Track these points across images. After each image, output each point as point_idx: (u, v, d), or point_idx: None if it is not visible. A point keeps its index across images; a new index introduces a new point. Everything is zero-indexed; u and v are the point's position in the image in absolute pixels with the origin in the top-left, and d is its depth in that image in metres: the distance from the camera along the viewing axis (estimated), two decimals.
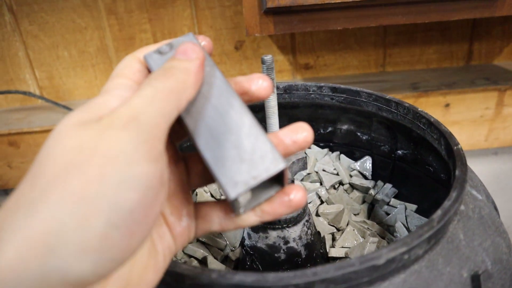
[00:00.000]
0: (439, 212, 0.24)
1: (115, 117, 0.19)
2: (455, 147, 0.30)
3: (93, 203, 0.17)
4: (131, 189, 0.18)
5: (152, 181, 0.18)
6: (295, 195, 0.23)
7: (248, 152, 0.20)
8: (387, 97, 0.41)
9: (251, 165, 0.20)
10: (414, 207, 0.46)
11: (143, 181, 0.18)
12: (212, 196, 0.49)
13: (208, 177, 0.26)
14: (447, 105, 0.73)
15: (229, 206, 0.24)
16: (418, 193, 0.46)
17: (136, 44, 0.74)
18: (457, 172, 0.27)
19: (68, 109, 0.72)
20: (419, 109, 0.37)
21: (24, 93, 0.73)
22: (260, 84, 0.24)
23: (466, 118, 0.74)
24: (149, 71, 0.24)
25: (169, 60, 0.22)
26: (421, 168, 0.45)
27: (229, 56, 0.77)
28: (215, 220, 0.25)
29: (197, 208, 0.25)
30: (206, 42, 0.25)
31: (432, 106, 0.73)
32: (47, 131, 0.70)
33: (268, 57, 0.31)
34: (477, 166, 0.79)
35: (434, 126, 0.34)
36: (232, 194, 0.20)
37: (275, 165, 0.20)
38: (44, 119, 0.72)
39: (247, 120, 0.21)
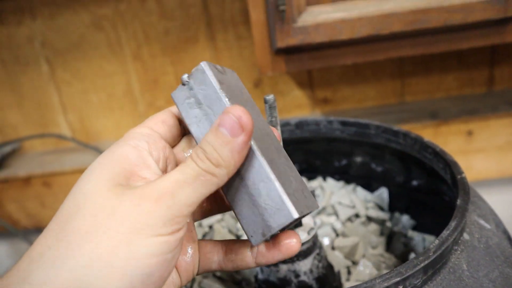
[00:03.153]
0: (436, 241, 0.24)
1: (151, 189, 0.20)
2: (459, 176, 0.30)
3: (118, 266, 0.19)
4: (153, 256, 0.19)
5: (172, 247, 0.20)
6: (289, 240, 0.24)
7: (267, 207, 0.22)
8: (395, 128, 0.41)
9: (268, 217, 0.22)
10: (432, 238, 0.45)
11: (165, 248, 0.20)
12: (229, 231, 0.50)
13: (206, 213, 0.27)
14: (470, 133, 0.72)
15: (229, 246, 0.26)
16: (436, 224, 0.45)
17: (159, 86, 0.78)
18: (458, 201, 0.27)
19: (97, 150, 0.76)
20: (425, 139, 0.37)
21: (57, 136, 0.78)
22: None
23: (491, 145, 0.73)
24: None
25: (211, 136, 0.21)
26: (436, 198, 0.44)
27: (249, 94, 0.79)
28: (215, 259, 0.26)
29: (201, 245, 0.26)
30: None
31: (453, 134, 0.72)
32: (77, 171, 0.74)
33: (270, 97, 0.32)
34: (505, 195, 0.76)
35: (439, 156, 0.34)
36: (254, 243, 0.23)
37: (287, 219, 0.22)
38: (75, 160, 0.76)
39: (265, 174, 0.23)
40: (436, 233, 0.45)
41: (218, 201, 0.27)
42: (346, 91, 0.80)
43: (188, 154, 0.28)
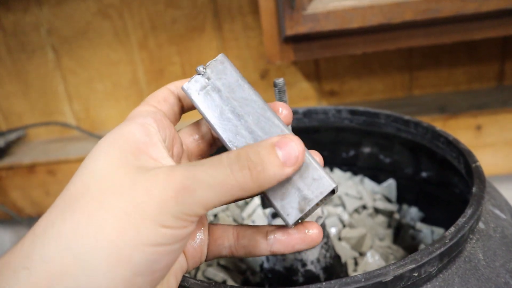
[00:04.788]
0: (452, 229, 0.23)
1: (168, 179, 0.19)
2: (474, 164, 0.30)
3: (124, 252, 0.18)
4: (160, 245, 0.19)
5: (180, 239, 0.19)
6: (312, 230, 0.23)
7: (298, 180, 0.22)
8: (405, 117, 0.40)
9: (306, 190, 0.22)
10: (441, 231, 0.44)
11: (173, 239, 0.19)
12: (234, 221, 0.50)
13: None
14: (479, 127, 0.71)
15: (242, 232, 0.25)
16: (446, 216, 0.45)
17: (165, 76, 0.77)
18: (474, 189, 0.27)
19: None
20: (437, 128, 0.36)
21: (62, 124, 0.77)
22: (280, 112, 0.25)
23: (500, 140, 0.71)
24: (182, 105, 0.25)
25: (263, 150, 0.20)
26: (446, 190, 0.43)
27: (255, 85, 0.78)
28: (226, 245, 0.25)
29: (211, 230, 0.26)
30: None
31: (462, 129, 0.71)
32: (82, 160, 0.74)
33: (279, 80, 0.32)
34: None
35: (452, 145, 0.34)
36: (291, 221, 0.22)
37: (327, 186, 0.22)
38: (80, 148, 0.76)
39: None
40: (446, 226, 0.45)
41: None
42: (353, 84, 0.79)
43: (196, 138, 0.28)
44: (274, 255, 0.24)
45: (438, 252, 0.22)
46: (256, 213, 0.48)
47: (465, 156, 0.31)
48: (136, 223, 0.18)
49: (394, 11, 0.48)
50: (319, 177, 0.21)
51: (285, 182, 0.22)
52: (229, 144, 0.24)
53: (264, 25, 0.52)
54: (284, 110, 0.26)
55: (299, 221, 0.24)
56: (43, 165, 0.75)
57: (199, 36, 0.75)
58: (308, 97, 0.79)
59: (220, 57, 0.25)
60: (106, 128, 0.81)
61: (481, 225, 0.27)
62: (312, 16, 0.48)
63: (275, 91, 0.32)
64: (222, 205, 0.20)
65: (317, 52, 0.53)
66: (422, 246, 0.39)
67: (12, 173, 0.76)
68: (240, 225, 0.25)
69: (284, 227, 0.24)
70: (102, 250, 0.18)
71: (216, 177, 0.19)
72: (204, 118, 0.25)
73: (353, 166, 0.53)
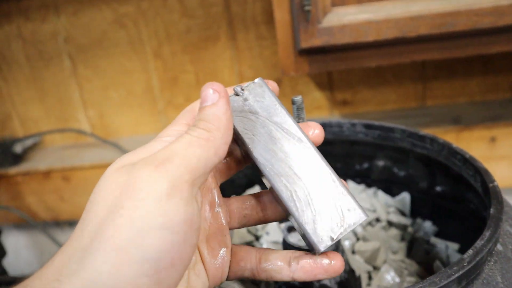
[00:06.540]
0: (470, 251, 0.23)
1: (150, 159, 0.20)
2: (491, 184, 0.30)
3: (124, 251, 0.18)
4: (158, 237, 0.18)
5: (181, 226, 0.19)
6: (335, 261, 0.23)
7: (332, 208, 0.23)
8: (421, 133, 0.40)
9: (335, 219, 0.22)
10: (456, 246, 0.44)
11: (171, 225, 0.19)
12: (248, 231, 0.50)
13: (245, 223, 0.27)
14: (493, 139, 0.70)
15: (265, 255, 0.25)
16: (460, 231, 0.45)
17: (179, 84, 0.78)
18: (491, 211, 0.27)
19: (116, 146, 0.77)
20: (453, 145, 0.36)
21: (77, 131, 0.78)
22: (312, 132, 0.26)
23: None
24: None
25: (198, 114, 0.22)
26: (461, 205, 0.43)
27: None
28: (248, 267, 0.25)
29: (234, 251, 0.26)
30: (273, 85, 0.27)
31: (476, 141, 0.70)
32: (96, 166, 0.75)
33: (298, 98, 0.32)
34: None
35: (469, 163, 0.34)
36: (323, 248, 0.22)
37: (359, 217, 0.22)
38: (94, 155, 0.77)
39: (331, 178, 0.23)
40: (460, 241, 0.45)
41: (258, 210, 0.27)
42: (366, 94, 0.79)
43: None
44: (295, 281, 0.24)
45: (456, 275, 0.22)
46: (270, 225, 0.49)
47: (482, 175, 0.31)
48: (129, 214, 0.19)
49: (409, 25, 0.48)
50: (353, 208, 0.22)
51: (320, 209, 0.22)
52: (262, 162, 0.24)
53: (279, 37, 0.52)
54: (316, 130, 0.27)
55: (333, 245, 0.24)
56: (58, 171, 0.76)
57: (213, 45, 0.76)
58: (321, 107, 0.80)
59: (259, 80, 0.26)
60: (120, 135, 0.82)
61: (499, 246, 0.27)
62: (327, 30, 0.49)
63: (293, 108, 0.32)
64: (210, 166, 0.21)
65: (332, 64, 0.53)
66: (437, 262, 0.39)
67: (28, 178, 0.77)
68: (263, 248, 0.25)
69: (308, 255, 0.24)
70: (105, 256, 0.18)
71: (181, 142, 0.21)
72: (238, 137, 0.25)
73: (366, 179, 0.53)
